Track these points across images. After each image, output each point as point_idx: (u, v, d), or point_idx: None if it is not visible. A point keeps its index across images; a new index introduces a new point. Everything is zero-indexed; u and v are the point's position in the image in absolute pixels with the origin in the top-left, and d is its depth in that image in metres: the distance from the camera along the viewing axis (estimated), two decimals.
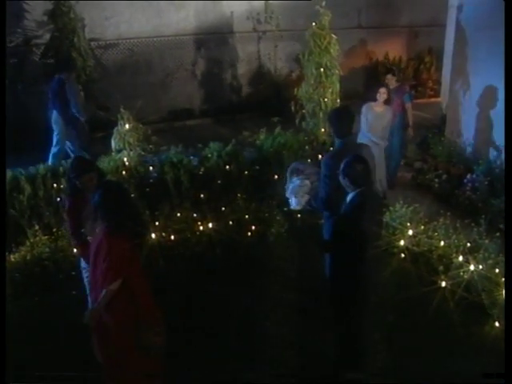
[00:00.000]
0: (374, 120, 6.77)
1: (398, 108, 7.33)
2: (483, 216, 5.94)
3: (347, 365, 4.10)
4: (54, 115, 7.92)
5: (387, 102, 6.82)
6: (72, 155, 7.68)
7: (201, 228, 6.18)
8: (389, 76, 7.36)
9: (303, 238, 5.96)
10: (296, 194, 4.24)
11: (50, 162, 7.61)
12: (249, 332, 4.72)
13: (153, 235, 5.48)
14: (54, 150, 8.00)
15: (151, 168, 6.88)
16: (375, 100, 6.86)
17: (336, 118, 4.62)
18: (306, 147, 7.71)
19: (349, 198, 3.89)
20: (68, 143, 8.05)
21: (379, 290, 4.43)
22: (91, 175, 4.19)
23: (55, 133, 8.01)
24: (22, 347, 4.33)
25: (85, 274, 4.42)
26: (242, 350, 4.49)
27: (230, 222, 6.29)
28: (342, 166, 3.93)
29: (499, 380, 2.74)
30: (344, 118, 4.53)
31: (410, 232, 5.55)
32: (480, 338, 4.62)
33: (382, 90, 6.80)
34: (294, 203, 4.50)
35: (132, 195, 4.00)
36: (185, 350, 4.41)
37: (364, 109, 6.94)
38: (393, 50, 13.45)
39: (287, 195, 4.84)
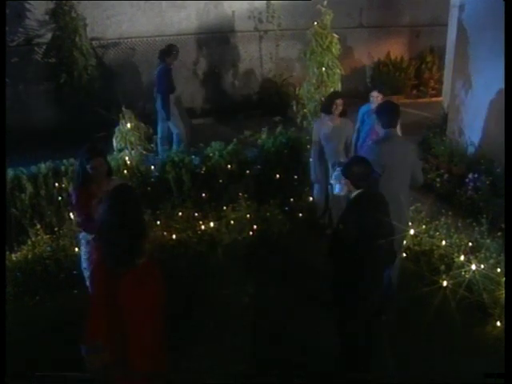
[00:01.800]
0: (331, 136, 6.05)
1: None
2: (485, 215, 5.94)
3: (349, 365, 4.09)
4: (159, 101, 8.44)
5: (343, 114, 6.07)
6: (175, 140, 8.53)
7: (202, 227, 6.19)
8: (374, 93, 6.52)
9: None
10: (340, 180, 4.27)
11: (159, 149, 8.28)
12: (250, 331, 4.72)
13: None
14: (159, 134, 8.53)
15: (153, 167, 6.89)
16: (330, 113, 6.06)
17: (386, 110, 4.91)
18: (308, 146, 7.72)
19: (351, 197, 3.90)
20: (173, 128, 8.57)
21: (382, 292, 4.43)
22: (102, 160, 4.30)
23: (160, 117, 8.53)
24: (22, 347, 4.33)
25: (86, 274, 4.43)
26: (244, 350, 4.49)
27: (232, 222, 6.30)
28: (343, 166, 3.96)
29: (499, 380, 2.73)
30: (393, 111, 4.88)
31: (412, 231, 5.54)
32: (481, 338, 4.62)
33: (339, 102, 5.99)
34: (337, 189, 4.58)
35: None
36: (185, 349, 4.41)
37: (316, 125, 6.31)
38: (394, 49, 13.44)
39: (331, 181, 4.96)
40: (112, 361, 3.28)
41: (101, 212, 3.26)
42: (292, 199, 6.83)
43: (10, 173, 6.20)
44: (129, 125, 6.56)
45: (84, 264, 4.40)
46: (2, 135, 4.12)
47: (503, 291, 4.70)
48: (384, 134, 4.81)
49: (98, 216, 3.30)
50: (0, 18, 4.70)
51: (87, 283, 4.45)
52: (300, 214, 6.63)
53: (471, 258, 5.11)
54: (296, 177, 7.17)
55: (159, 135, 8.49)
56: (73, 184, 5.49)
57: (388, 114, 4.83)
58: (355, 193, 3.87)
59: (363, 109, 6.71)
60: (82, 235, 4.42)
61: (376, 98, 6.41)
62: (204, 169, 6.96)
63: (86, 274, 4.40)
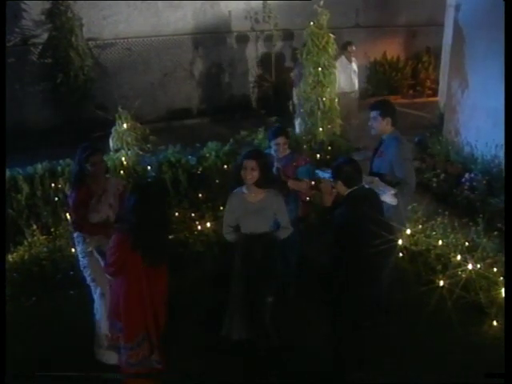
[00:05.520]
0: (250, 215, 4.15)
1: None
2: (481, 215, 5.95)
3: (348, 365, 4.09)
4: (295, 93, 9.10)
5: (261, 183, 4.01)
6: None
7: (199, 227, 6.18)
8: (280, 139, 4.77)
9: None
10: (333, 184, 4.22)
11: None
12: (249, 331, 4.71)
13: None
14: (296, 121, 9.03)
15: (149, 167, 6.88)
16: (242, 183, 4.10)
17: (393, 108, 4.72)
18: (304, 146, 7.73)
19: (343, 198, 3.90)
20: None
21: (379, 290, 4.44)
22: (101, 156, 4.35)
23: (298, 109, 8.95)
24: (21, 347, 4.32)
25: (86, 273, 4.40)
26: (242, 350, 4.48)
27: None
28: (332, 169, 3.97)
29: (499, 380, 2.73)
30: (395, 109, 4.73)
31: (408, 231, 5.54)
32: (478, 337, 4.62)
33: (250, 164, 3.93)
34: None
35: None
36: (184, 349, 4.41)
37: (231, 200, 4.22)
38: (391, 49, 13.49)
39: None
40: (150, 352, 3.61)
41: (131, 208, 3.44)
42: None
43: (6, 173, 6.18)
44: (125, 125, 6.54)
45: (83, 263, 4.37)
46: (2, 135, 4.10)
47: (500, 290, 4.72)
48: (399, 134, 4.67)
49: (127, 211, 3.48)
50: (0, 18, 4.67)
51: (87, 282, 4.43)
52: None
53: (468, 257, 5.11)
54: None
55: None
56: (70, 184, 5.48)
57: (395, 112, 4.68)
58: (349, 191, 3.85)
59: (301, 170, 4.87)
60: (77, 234, 4.40)
61: (283, 145, 4.81)
62: (200, 169, 6.96)
63: (86, 272, 4.37)
